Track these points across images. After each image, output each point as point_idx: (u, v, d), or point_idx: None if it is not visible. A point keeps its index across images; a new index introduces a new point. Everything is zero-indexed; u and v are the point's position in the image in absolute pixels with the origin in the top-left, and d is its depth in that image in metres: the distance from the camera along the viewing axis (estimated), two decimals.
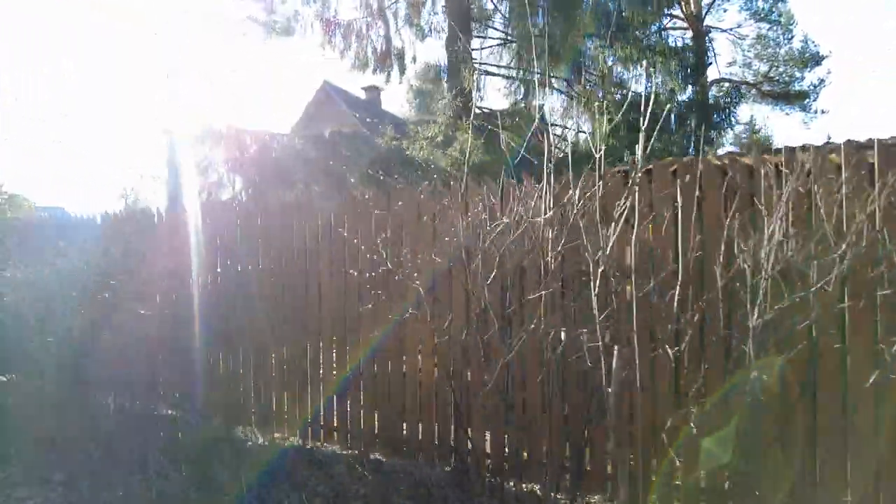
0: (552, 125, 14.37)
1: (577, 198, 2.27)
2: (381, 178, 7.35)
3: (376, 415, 4.46)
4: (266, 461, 4.46)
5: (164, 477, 4.06)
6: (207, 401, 5.27)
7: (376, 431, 4.47)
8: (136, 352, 5.40)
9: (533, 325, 2.26)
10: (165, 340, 5.30)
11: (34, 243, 6.69)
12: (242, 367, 5.18)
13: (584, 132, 12.11)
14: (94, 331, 5.47)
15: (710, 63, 15.26)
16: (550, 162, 2.52)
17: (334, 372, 4.65)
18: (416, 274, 2.83)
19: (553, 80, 10.56)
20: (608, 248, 1.96)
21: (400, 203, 3.55)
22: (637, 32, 10.48)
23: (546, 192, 2.44)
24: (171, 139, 15.34)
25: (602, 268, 1.97)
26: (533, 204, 2.47)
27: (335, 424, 4.68)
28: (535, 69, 10.20)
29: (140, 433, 4.86)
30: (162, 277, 5.39)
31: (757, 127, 23.17)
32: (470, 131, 7.53)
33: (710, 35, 18.37)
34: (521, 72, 10.32)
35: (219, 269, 5.23)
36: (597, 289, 2.06)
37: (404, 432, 4.34)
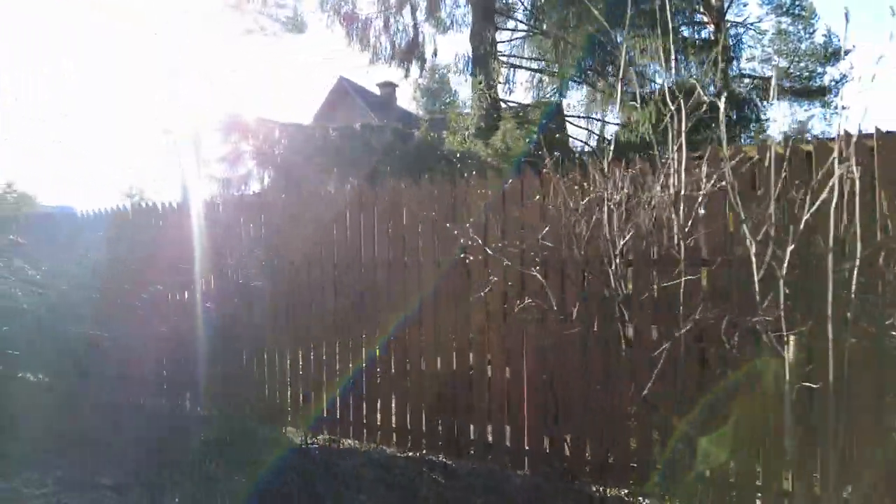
0: (577, 117, 14.10)
1: (728, 173, 2.02)
2: (419, 169, 7.11)
3: (439, 416, 4.20)
4: (323, 463, 4.21)
5: (218, 482, 3.80)
6: (249, 400, 5.03)
7: (439, 432, 4.21)
8: (173, 350, 5.17)
9: (698, 315, 2.01)
10: (202, 338, 5.05)
11: (56, 239, 6.45)
12: (290, 364, 4.92)
13: (616, 124, 11.84)
14: (126, 327, 5.22)
15: (736, 57, 14.98)
16: (681, 137, 2.26)
17: (392, 370, 4.40)
18: (534, 257, 2.56)
19: (587, 72, 10.30)
20: (799, 227, 1.70)
21: (510, 182, 3.21)
22: (672, 23, 10.23)
23: (678, 169, 2.19)
24: (192, 134, 15.09)
25: (791, 246, 1.71)
26: (662, 181, 2.22)
27: (393, 425, 4.42)
28: (569, 61, 9.96)
29: (182, 435, 4.62)
30: (198, 273, 5.14)
31: (772, 120, 22.88)
32: (512, 121, 7.31)
33: (730, 30, 18.10)
34: (557, 64, 10.02)
35: (262, 263, 4.96)
36: (761, 272, 1.81)
37: (471, 435, 4.07)
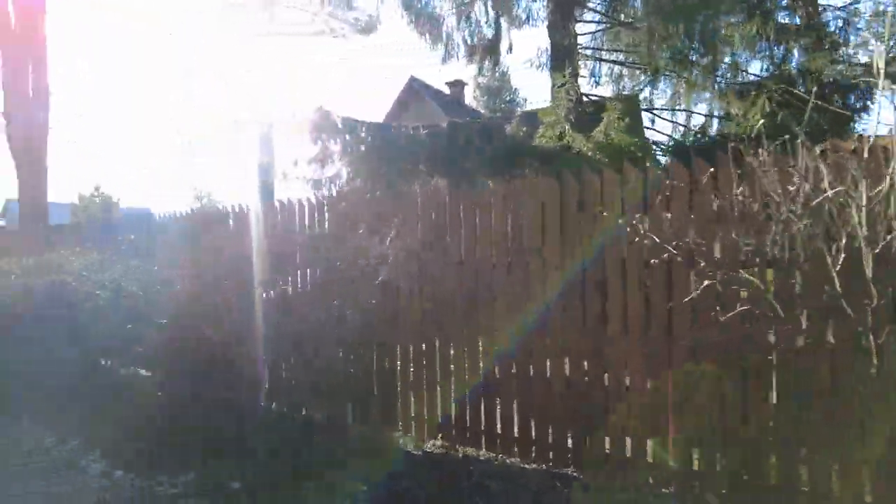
0: (661, 109, 13.50)
1: None
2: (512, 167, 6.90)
3: (568, 427, 3.94)
4: (442, 472, 4.04)
5: (347, 491, 3.69)
6: (361, 404, 4.92)
7: (568, 444, 3.96)
8: (283, 350, 5.12)
9: None
10: (311, 338, 4.92)
11: (157, 240, 6.56)
12: (400, 365, 4.77)
13: (710, 116, 11.25)
14: (236, 328, 5.21)
15: (844, 42, 13.92)
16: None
17: (515, 376, 4.17)
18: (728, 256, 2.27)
19: (679, 62, 9.78)
20: None
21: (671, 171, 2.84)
22: (770, 7, 9.61)
23: None
24: (265, 134, 15.41)
25: None
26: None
27: (515, 434, 4.19)
28: (660, 51, 9.49)
29: (294, 438, 4.55)
30: (309, 272, 5.06)
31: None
32: (615, 112, 6.97)
33: (823, 13, 16.94)
34: (647, 55, 9.54)
35: (371, 261, 4.80)
36: None
37: (606, 448, 3.80)
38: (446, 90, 21.77)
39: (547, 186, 3.99)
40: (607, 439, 3.78)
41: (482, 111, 33.17)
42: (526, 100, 44.43)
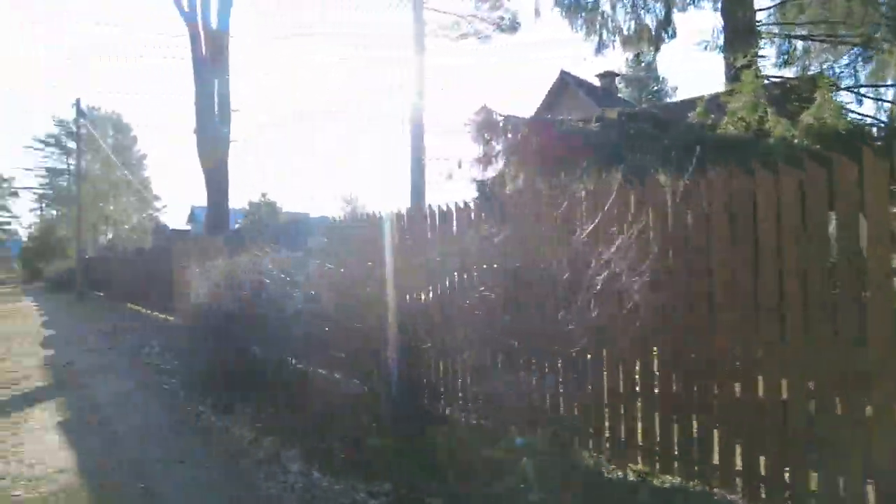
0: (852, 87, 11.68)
1: None
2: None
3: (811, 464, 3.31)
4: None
5: None
6: (536, 416, 4.57)
7: (786, 480, 3.33)
8: (467, 354, 4.95)
9: None
10: (477, 342, 4.65)
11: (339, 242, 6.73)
12: (591, 377, 4.37)
13: None
14: (423, 331, 5.13)
15: None
16: None
17: (739, 399, 3.61)
18: None
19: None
20: None
21: None
22: None
23: None
24: (417, 135, 15.75)
25: None
26: None
27: (737, 467, 3.62)
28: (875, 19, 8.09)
29: (482, 450, 4.33)
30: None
31: None
32: (827, 92, 6.01)
33: None
34: (864, 22, 8.14)
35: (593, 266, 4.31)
36: None
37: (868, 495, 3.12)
38: (595, 83, 20.85)
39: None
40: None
41: (633, 102, 31.42)
42: (676, 89, 41.65)
